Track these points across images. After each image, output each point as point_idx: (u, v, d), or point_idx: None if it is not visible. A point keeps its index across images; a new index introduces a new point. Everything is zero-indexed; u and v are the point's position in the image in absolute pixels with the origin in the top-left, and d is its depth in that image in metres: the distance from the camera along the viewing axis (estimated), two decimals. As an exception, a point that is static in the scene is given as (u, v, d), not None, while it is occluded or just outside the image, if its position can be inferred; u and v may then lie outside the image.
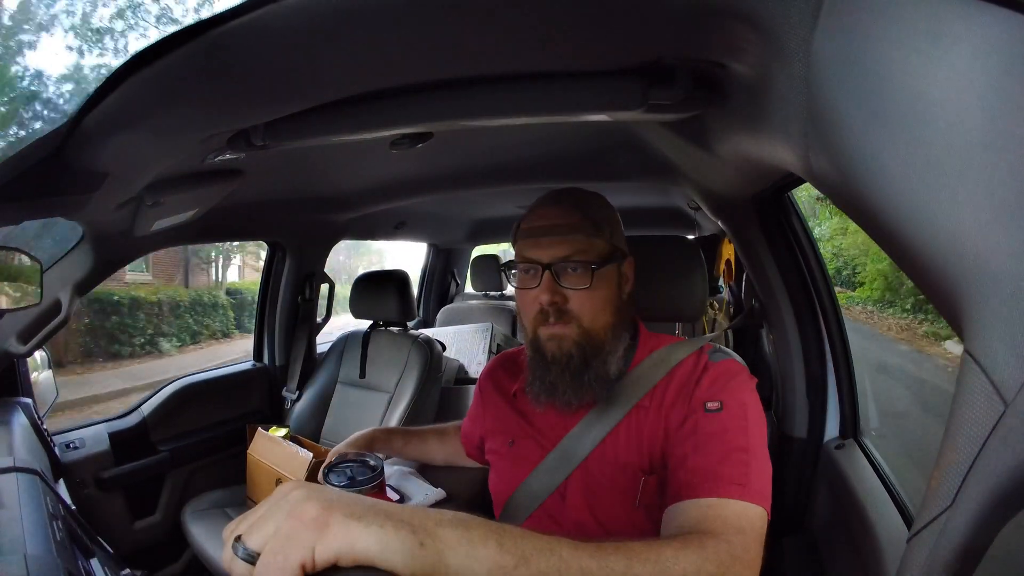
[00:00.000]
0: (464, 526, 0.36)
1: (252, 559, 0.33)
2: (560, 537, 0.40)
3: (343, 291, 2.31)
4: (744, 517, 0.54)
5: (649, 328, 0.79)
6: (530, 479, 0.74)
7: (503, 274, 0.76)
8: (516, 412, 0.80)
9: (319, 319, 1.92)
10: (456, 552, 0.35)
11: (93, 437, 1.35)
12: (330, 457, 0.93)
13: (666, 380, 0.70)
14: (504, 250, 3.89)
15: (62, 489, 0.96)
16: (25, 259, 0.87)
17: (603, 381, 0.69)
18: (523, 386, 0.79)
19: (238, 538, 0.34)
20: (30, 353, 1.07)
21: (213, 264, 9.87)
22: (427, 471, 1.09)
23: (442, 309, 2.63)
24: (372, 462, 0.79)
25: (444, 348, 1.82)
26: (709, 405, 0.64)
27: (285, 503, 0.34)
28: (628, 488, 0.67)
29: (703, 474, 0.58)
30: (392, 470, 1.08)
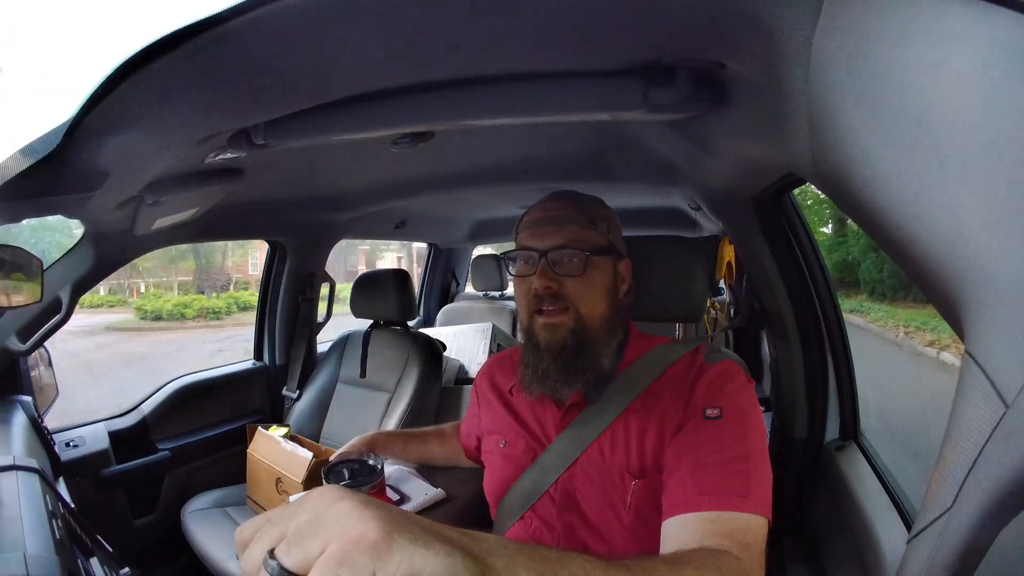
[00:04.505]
0: (508, 555, 0.33)
1: None
2: (592, 557, 0.39)
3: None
4: (748, 530, 0.55)
5: (650, 329, 0.79)
6: (521, 480, 0.74)
7: (504, 265, 0.77)
8: (509, 412, 0.80)
9: (320, 319, 1.92)
10: None
11: (93, 436, 1.35)
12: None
13: (659, 382, 0.70)
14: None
15: (62, 487, 0.96)
16: (26, 257, 0.87)
17: (595, 375, 0.70)
18: (518, 382, 0.79)
19: (271, 552, 0.29)
20: (30, 351, 1.07)
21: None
22: (427, 471, 1.09)
23: (442, 309, 2.62)
24: (372, 462, 0.79)
25: (444, 348, 1.82)
26: (708, 412, 0.63)
27: (333, 517, 0.29)
28: (618, 491, 0.67)
29: (704, 486, 0.58)
30: (392, 470, 1.08)
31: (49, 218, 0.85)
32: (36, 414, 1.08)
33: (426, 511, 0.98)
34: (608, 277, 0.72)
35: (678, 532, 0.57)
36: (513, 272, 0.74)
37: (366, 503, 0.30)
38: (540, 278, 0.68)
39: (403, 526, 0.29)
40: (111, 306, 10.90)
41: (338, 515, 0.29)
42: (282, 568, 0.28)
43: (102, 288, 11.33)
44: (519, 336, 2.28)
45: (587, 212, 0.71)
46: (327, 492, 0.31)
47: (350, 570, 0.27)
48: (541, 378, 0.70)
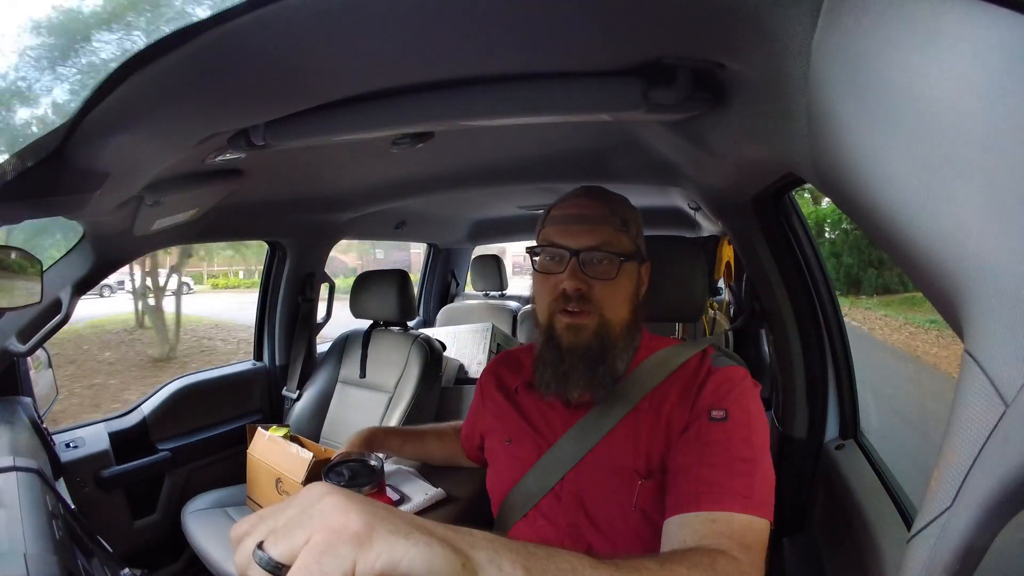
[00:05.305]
0: (493, 548, 0.34)
1: (278, 571, 0.29)
2: (581, 555, 0.39)
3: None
4: (749, 531, 0.54)
5: (649, 328, 0.79)
6: (526, 479, 0.74)
7: (529, 258, 0.76)
8: (515, 410, 0.80)
9: (319, 319, 1.92)
10: (488, 574, 0.33)
11: (93, 436, 1.35)
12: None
13: (667, 383, 0.70)
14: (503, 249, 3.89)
15: (62, 488, 0.96)
16: (26, 258, 0.87)
17: (611, 378, 0.69)
18: (525, 381, 0.78)
19: (260, 545, 0.31)
20: (30, 352, 1.07)
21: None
22: (427, 471, 1.09)
23: (442, 309, 2.62)
24: (372, 462, 0.79)
25: (444, 348, 1.82)
26: (714, 413, 0.63)
27: (318, 510, 0.31)
28: (624, 491, 0.67)
29: (707, 486, 0.58)
30: (392, 470, 1.08)
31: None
32: (36, 414, 1.08)
33: (426, 511, 0.98)
34: (633, 282, 0.71)
35: (679, 531, 0.57)
36: (537, 267, 0.72)
37: (350, 497, 0.32)
38: (571, 279, 0.67)
39: (384, 518, 0.31)
40: (247, 287, 11.86)
41: (323, 508, 0.31)
42: (270, 559, 0.30)
43: (241, 272, 12.60)
44: (519, 336, 2.28)
45: (620, 214, 0.70)
46: (315, 488, 0.33)
47: (332, 559, 0.28)
48: (562, 379, 0.69)
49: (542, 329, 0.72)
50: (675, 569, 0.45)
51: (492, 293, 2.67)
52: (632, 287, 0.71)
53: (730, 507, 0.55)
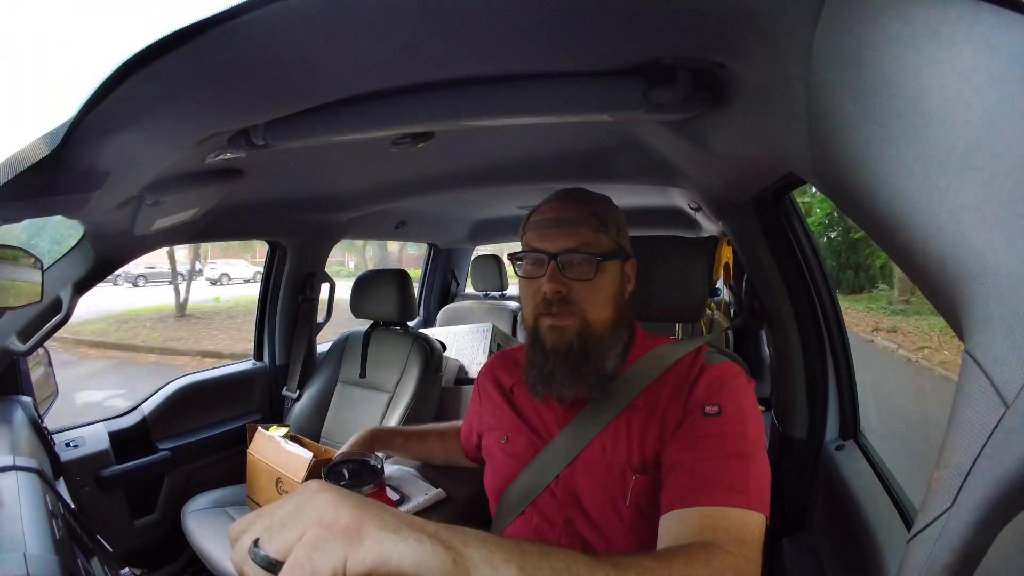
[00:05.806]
0: (486, 546, 0.35)
1: (272, 567, 0.30)
2: (576, 553, 0.40)
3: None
4: (745, 526, 0.54)
5: (648, 328, 0.79)
6: (522, 476, 0.74)
7: (512, 264, 0.76)
8: (511, 408, 0.80)
9: (320, 319, 1.92)
10: (481, 573, 0.33)
11: (93, 436, 1.35)
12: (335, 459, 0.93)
13: (661, 381, 0.70)
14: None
15: (62, 488, 0.96)
16: (26, 257, 0.88)
17: (599, 376, 0.70)
18: (521, 380, 0.79)
19: (256, 542, 0.31)
20: (31, 351, 1.07)
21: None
22: (427, 471, 1.09)
23: (442, 309, 2.63)
24: (372, 462, 0.79)
25: (444, 348, 1.82)
26: (707, 409, 0.64)
27: (312, 507, 0.31)
28: (619, 487, 0.67)
29: (702, 481, 0.58)
30: (392, 470, 1.08)
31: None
32: (36, 414, 1.08)
33: (426, 511, 0.98)
34: (616, 280, 0.72)
35: (675, 527, 0.57)
36: (520, 273, 0.73)
37: (342, 494, 0.32)
38: (550, 282, 0.68)
39: (375, 515, 0.31)
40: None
41: (316, 505, 0.32)
42: (265, 555, 0.31)
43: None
44: (519, 336, 2.28)
45: (598, 214, 0.71)
46: (310, 486, 0.33)
47: (323, 554, 0.29)
48: (547, 379, 0.70)
49: (529, 332, 0.73)
50: (673, 565, 0.46)
51: (492, 293, 2.67)
52: (614, 285, 0.71)
53: (724, 502, 0.56)
